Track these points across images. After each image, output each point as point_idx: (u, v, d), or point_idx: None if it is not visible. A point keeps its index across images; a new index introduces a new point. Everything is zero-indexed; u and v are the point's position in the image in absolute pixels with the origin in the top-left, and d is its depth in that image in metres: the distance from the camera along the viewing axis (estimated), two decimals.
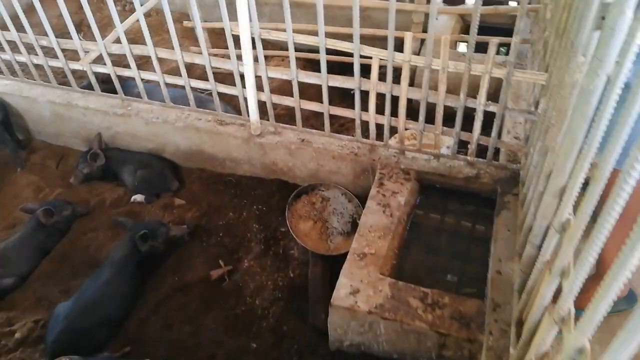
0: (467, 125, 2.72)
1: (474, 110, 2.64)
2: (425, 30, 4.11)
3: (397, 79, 2.78)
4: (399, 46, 2.56)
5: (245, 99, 3.16)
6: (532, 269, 1.89)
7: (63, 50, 3.39)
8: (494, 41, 2.37)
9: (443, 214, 2.89)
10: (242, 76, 3.05)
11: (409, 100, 2.80)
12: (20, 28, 3.36)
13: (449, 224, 2.83)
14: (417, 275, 2.56)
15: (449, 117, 2.77)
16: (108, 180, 3.68)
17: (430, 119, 2.79)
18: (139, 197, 3.50)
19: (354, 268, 2.45)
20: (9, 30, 3.39)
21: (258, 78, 3.04)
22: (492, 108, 2.61)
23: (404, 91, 2.71)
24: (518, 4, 4.19)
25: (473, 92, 2.55)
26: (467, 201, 2.90)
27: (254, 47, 2.85)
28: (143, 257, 2.95)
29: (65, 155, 3.93)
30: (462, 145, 2.96)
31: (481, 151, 2.88)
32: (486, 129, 2.72)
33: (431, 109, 2.73)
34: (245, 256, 3.15)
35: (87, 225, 3.38)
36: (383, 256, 2.50)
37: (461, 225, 2.83)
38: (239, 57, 2.93)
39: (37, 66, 3.63)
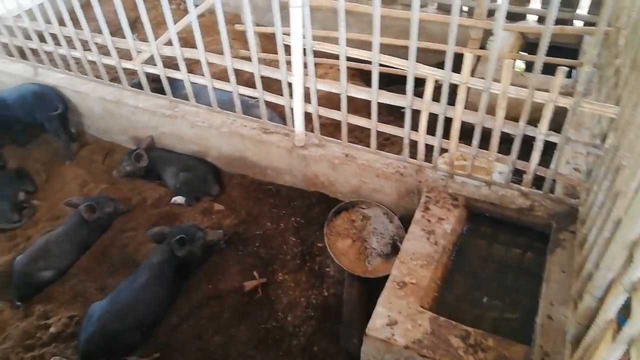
0: (521, 150, 2.56)
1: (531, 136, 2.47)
2: (482, 47, 3.94)
3: (450, 97, 2.64)
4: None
5: (292, 109, 3.09)
6: (591, 323, 1.73)
7: (116, 49, 3.42)
8: (562, 69, 2.20)
9: (491, 246, 2.73)
10: (289, 84, 2.99)
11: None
12: (76, 23, 3.42)
13: (496, 257, 2.67)
14: (459, 309, 2.42)
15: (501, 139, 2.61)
16: (151, 179, 3.70)
17: (483, 142, 2.64)
18: (179, 199, 3.50)
19: (392, 297, 2.33)
20: (66, 26, 3.45)
21: (306, 88, 2.96)
22: (553, 138, 2.44)
23: (458, 114, 2.58)
24: (584, 24, 3.96)
25: (530, 114, 2.39)
26: (518, 234, 2.73)
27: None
28: (180, 262, 2.94)
29: (111, 151, 3.99)
30: (516, 173, 2.79)
31: (537, 180, 2.70)
32: (543, 156, 2.55)
33: (486, 132, 2.59)
34: (280, 269, 3.09)
35: (128, 224, 3.40)
36: (424, 287, 2.37)
37: (510, 259, 2.67)
38: (288, 62, 2.87)
39: (90, 62, 3.69)
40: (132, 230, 3.36)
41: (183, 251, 2.92)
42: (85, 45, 3.57)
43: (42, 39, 3.72)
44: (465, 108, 2.57)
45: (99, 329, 2.59)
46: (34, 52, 3.88)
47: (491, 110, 2.49)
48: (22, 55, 4.01)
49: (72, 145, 3.94)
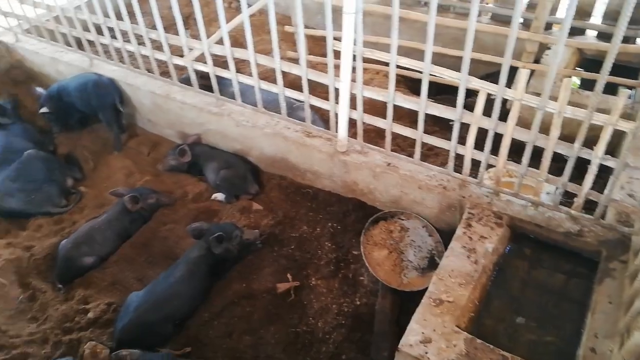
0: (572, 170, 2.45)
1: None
2: (536, 61, 3.81)
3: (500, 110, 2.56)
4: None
5: (336, 114, 3.07)
6: None
7: (169, 45, 3.50)
8: (625, 91, 2.09)
9: (534, 269, 2.63)
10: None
11: None
12: (132, 17, 3.51)
13: (538, 281, 2.57)
14: (496, 332, 2.34)
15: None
16: (194, 174, 3.77)
17: (532, 160, 2.54)
18: (219, 196, 3.55)
19: (428, 314, 2.28)
20: (123, 20, 3.55)
21: (351, 94, 2.94)
22: (610, 163, 2.32)
23: (509, 130, 2.49)
24: None
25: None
26: (564, 259, 2.62)
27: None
28: (216, 260, 2.97)
29: (158, 144, 4.09)
30: (565, 195, 2.68)
31: (586, 203, 2.58)
32: (596, 178, 2.43)
33: (536, 149, 2.49)
34: (314, 274, 3.08)
35: (168, 216, 3.47)
36: (461, 306, 2.31)
37: (553, 284, 2.56)
38: (336, 67, 2.85)
39: (142, 56, 3.79)
40: (173, 223, 3.42)
41: (220, 249, 2.96)
42: (139, 40, 3.66)
43: (99, 31, 3.84)
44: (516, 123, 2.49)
45: (135, 318, 2.65)
46: (91, 43, 4.02)
47: (543, 127, 2.40)
48: (80, 46, 4.15)
49: (121, 135, 4.06)
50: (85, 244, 3.14)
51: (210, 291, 2.98)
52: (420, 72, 2.59)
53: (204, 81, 3.69)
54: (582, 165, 2.46)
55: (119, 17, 3.59)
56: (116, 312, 2.86)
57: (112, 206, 3.41)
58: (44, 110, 3.97)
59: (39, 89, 4.13)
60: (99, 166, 3.96)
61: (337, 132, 3.15)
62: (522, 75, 2.32)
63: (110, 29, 3.75)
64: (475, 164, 2.80)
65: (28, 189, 3.50)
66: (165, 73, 3.94)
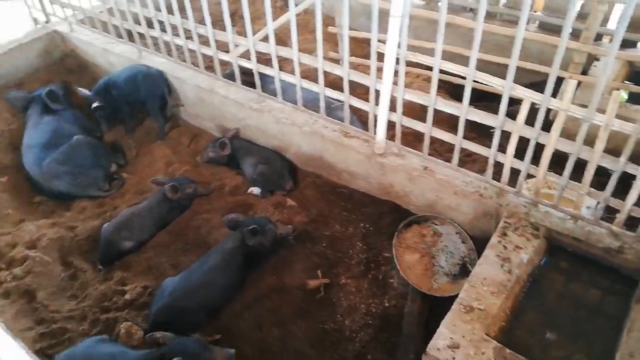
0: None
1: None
2: (584, 72, 3.72)
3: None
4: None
5: (375, 116, 3.09)
6: None
7: (216, 41, 3.59)
8: None
9: (569, 283, 2.58)
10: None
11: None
12: (182, 11, 3.62)
13: (574, 295, 2.52)
14: (526, 345, 2.31)
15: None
16: (231, 167, 3.85)
17: (574, 172, 2.50)
18: (255, 190, 3.62)
19: (457, 320, 2.27)
20: (173, 15, 3.67)
21: (392, 96, 2.95)
22: None
23: (552, 141, 2.45)
24: None
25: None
26: (602, 275, 2.56)
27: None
28: (250, 252, 3.03)
29: (198, 136, 4.20)
30: (607, 210, 2.61)
31: (629, 219, 2.52)
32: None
33: (578, 161, 2.45)
34: (344, 273, 3.10)
35: (205, 207, 3.57)
36: (492, 315, 2.29)
37: (589, 300, 2.51)
38: (378, 69, 2.87)
39: (189, 50, 3.90)
40: (208, 213, 3.51)
41: (254, 241, 3.02)
42: (187, 34, 3.77)
43: (150, 24, 3.98)
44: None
45: (169, 303, 2.74)
46: (141, 36, 4.16)
47: (587, 139, 2.36)
48: (130, 37, 4.31)
49: (165, 125, 4.19)
50: (126, 229, 3.27)
51: (243, 283, 3.04)
52: (464, 78, 2.58)
53: (246, 77, 3.77)
54: (626, 180, 2.40)
55: (169, 11, 3.71)
56: (151, 295, 2.97)
57: (152, 194, 3.53)
58: (95, 105, 4.10)
59: (83, 90, 4.28)
60: (141, 154, 4.10)
61: (375, 133, 3.17)
62: (570, 85, 2.29)
63: (161, 23, 3.88)
64: (514, 172, 2.76)
65: (75, 173, 3.67)
66: (209, 67, 4.05)
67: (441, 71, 2.67)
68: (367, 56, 3.82)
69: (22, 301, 2.98)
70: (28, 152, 3.82)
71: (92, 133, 4.11)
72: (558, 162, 2.62)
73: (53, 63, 4.87)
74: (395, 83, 2.85)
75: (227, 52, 3.60)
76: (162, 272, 3.15)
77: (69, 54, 4.89)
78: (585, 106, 2.32)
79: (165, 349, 2.46)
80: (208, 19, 3.45)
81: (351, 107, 3.29)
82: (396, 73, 2.81)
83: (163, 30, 3.91)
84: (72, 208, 3.65)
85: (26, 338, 2.77)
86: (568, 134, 2.55)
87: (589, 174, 2.43)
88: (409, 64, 2.78)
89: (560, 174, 2.55)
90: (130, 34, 4.27)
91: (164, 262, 3.23)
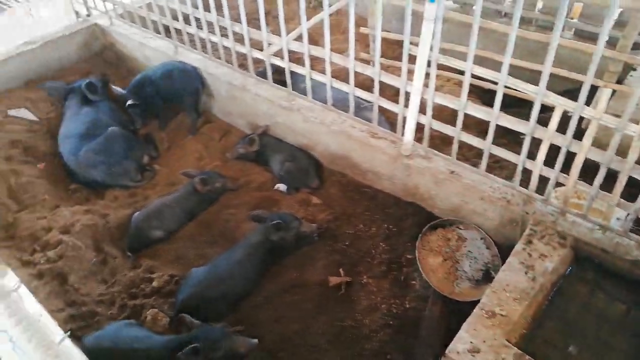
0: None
1: None
2: (619, 82, 3.65)
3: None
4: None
5: (404, 118, 3.11)
6: None
7: (250, 39, 3.66)
8: None
9: (594, 294, 2.55)
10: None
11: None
12: (218, 9, 3.71)
13: (598, 307, 2.49)
14: (546, 354, 2.29)
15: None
16: (259, 163, 3.92)
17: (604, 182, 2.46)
18: (281, 187, 3.68)
19: (478, 325, 2.27)
20: (210, 12, 3.76)
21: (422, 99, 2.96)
22: None
23: (584, 150, 2.43)
24: None
25: None
26: (628, 287, 2.51)
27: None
28: (273, 246, 3.09)
29: (228, 132, 4.29)
30: (637, 222, 2.57)
31: None
32: None
33: (609, 172, 2.41)
34: (366, 272, 3.13)
35: (232, 201, 3.64)
36: (514, 322, 2.28)
37: (612, 312, 2.47)
38: (408, 71, 2.88)
39: (224, 47, 3.98)
40: (235, 207, 3.59)
41: (277, 236, 3.08)
42: (223, 31, 3.86)
43: (187, 20, 4.08)
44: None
45: (195, 292, 2.82)
46: (178, 32, 4.27)
47: (619, 149, 2.32)
48: (167, 33, 4.43)
49: (197, 121, 4.29)
50: (156, 219, 3.37)
51: (265, 276, 3.10)
52: (495, 83, 2.57)
53: (278, 75, 3.84)
54: None
55: (207, 9, 3.80)
56: (178, 284, 3.05)
57: (182, 186, 3.62)
58: (130, 102, 4.22)
59: (118, 88, 4.41)
60: (173, 147, 4.21)
61: (402, 135, 3.18)
62: (604, 94, 2.26)
63: (197, 20, 3.97)
64: (542, 180, 2.74)
65: (109, 163, 3.79)
66: (242, 65, 4.12)
67: (473, 75, 2.67)
68: (397, 58, 3.83)
69: (54, 283, 3.10)
70: (65, 141, 3.97)
71: (126, 125, 4.24)
72: (588, 171, 2.59)
73: (93, 56, 5.05)
74: (425, 85, 2.86)
75: (261, 50, 3.66)
76: (188, 263, 3.23)
77: (108, 47, 5.06)
78: (618, 116, 2.28)
79: (188, 335, 2.54)
80: (244, 17, 3.53)
81: (380, 108, 3.31)
82: (427, 76, 2.82)
83: (199, 27, 4.00)
84: (105, 196, 3.78)
85: (57, 319, 2.88)
86: (599, 143, 2.51)
87: (620, 184, 2.39)
88: (440, 67, 2.78)
89: (590, 184, 2.52)
90: (167, 30, 4.39)
91: (191, 252, 3.32)
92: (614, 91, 3.62)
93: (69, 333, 2.19)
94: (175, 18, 4.16)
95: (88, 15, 5.07)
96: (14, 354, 2.09)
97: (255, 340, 2.57)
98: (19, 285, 2.30)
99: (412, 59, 2.81)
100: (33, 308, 2.20)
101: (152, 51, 4.54)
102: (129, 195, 3.79)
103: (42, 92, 4.47)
